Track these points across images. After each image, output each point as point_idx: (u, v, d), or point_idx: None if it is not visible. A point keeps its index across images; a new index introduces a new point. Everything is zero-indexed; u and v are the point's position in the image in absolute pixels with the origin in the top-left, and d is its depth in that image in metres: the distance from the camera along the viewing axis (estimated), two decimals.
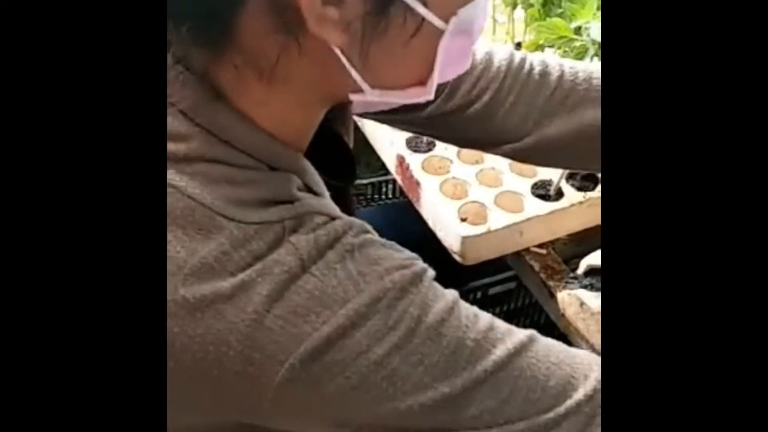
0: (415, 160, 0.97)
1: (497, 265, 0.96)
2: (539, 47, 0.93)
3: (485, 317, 0.49)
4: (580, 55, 0.88)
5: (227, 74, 0.47)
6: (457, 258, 0.90)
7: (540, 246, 0.92)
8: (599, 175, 0.94)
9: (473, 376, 0.46)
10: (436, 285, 0.48)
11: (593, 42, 0.85)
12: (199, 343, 0.44)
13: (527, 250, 0.92)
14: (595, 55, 0.86)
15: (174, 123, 0.46)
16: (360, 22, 0.44)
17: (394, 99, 0.51)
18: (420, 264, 0.48)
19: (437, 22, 0.46)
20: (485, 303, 1.11)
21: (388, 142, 1.01)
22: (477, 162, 0.98)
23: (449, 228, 0.90)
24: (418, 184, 0.95)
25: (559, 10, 0.92)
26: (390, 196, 1.36)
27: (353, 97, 0.50)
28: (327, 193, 0.52)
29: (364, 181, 1.33)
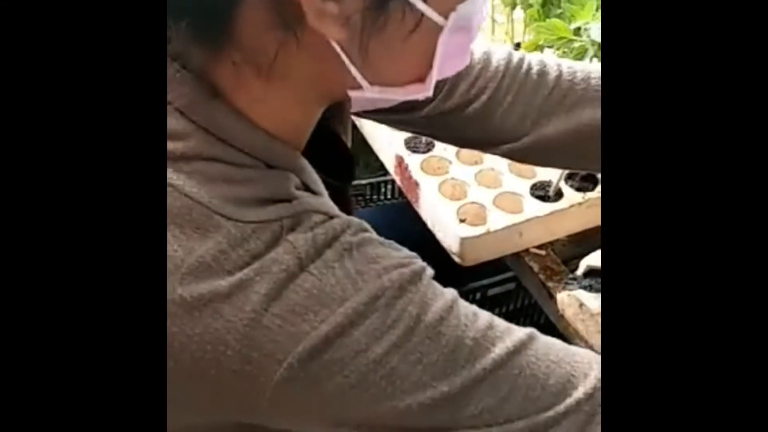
0: (414, 160, 0.97)
1: (496, 266, 0.96)
2: (538, 48, 0.93)
3: (484, 316, 0.48)
4: (580, 55, 0.88)
5: (225, 71, 0.47)
6: (456, 259, 0.90)
7: (539, 247, 0.92)
8: (598, 176, 0.94)
9: (472, 375, 0.46)
10: (435, 284, 0.48)
11: (592, 43, 0.85)
12: (197, 343, 0.43)
13: (526, 251, 0.91)
14: (594, 55, 0.86)
15: (171, 121, 0.46)
16: (359, 16, 0.44)
17: (392, 96, 0.50)
18: (419, 262, 0.48)
19: (436, 17, 0.46)
20: (484, 304, 1.11)
21: (387, 143, 1.01)
22: (476, 163, 0.98)
23: (448, 229, 0.89)
24: (416, 184, 0.95)
25: (559, 11, 0.92)
26: (389, 196, 1.36)
27: (352, 93, 0.49)
28: (325, 192, 0.51)
29: (363, 182, 1.33)
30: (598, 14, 0.86)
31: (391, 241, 0.49)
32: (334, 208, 0.49)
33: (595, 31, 0.84)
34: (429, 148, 0.99)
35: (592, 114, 0.67)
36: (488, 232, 0.88)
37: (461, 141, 0.76)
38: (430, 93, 0.51)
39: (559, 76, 0.68)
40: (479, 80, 0.68)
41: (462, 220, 0.89)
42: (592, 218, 0.93)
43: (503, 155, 0.73)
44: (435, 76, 0.50)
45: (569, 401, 0.47)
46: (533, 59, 0.70)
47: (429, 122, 0.70)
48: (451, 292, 0.48)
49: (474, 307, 0.49)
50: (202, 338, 0.43)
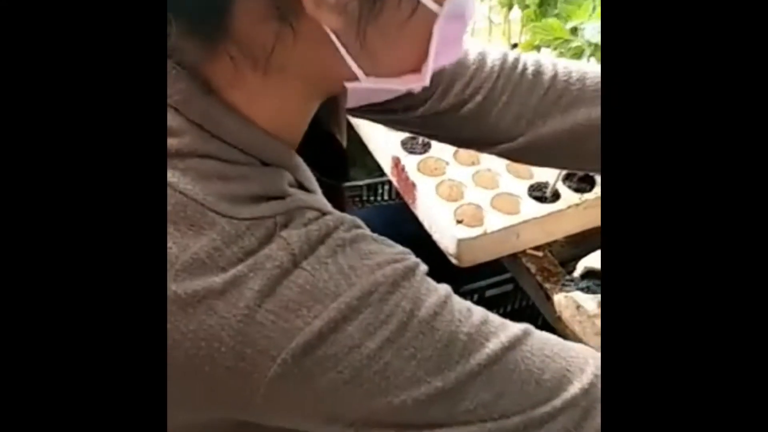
0: (410, 161, 0.97)
1: (494, 267, 0.96)
2: (535, 48, 0.93)
3: (479, 311, 0.48)
4: (576, 56, 0.88)
5: (221, 66, 0.47)
6: (453, 260, 0.90)
7: (536, 248, 0.92)
8: (595, 177, 0.94)
9: (467, 370, 0.45)
10: (429, 279, 0.48)
11: (589, 43, 0.85)
12: (192, 339, 0.43)
13: (524, 252, 0.91)
14: (591, 56, 0.86)
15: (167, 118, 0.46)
16: (356, 4, 0.44)
17: (389, 86, 0.51)
18: (412, 258, 0.48)
19: (431, 4, 0.47)
20: (482, 305, 1.11)
21: (384, 144, 1.01)
22: (473, 163, 0.98)
23: (445, 230, 0.89)
24: (413, 185, 0.95)
25: (555, 11, 0.92)
26: (385, 197, 1.36)
27: (348, 85, 0.49)
28: (319, 190, 0.52)
29: (360, 183, 1.33)
30: (595, 14, 0.86)
31: (384, 238, 0.49)
32: (328, 205, 0.49)
33: (591, 31, 0.84)
34: (426, 149, 0.99)
35: (588, 114, 0.67)
36: (485, 234, 0.88)
37: (457, 141, 0.76)
38: (426, 83, 0.51)
39: (555, 76, 0.68)
40: (474, 80, 0.69)
41: (459, 221, 0.89)
42: (590, 219, 0.93)
43: (499, 155, 0.73)
44: (431, 65, 0.50)
45: (565, 396, 0.47)
46: (529, 59, 0.70)
47: (424, 122, 0.70)
48: (444, 288, 0.48)
49: (468, 303, 0.49)
50: (196, 335, 0.43)
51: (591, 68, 0.70)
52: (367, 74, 0.49)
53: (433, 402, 0.45)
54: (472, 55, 0.69)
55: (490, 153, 0.73)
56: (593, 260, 0.86)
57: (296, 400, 0.45)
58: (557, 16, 0.90)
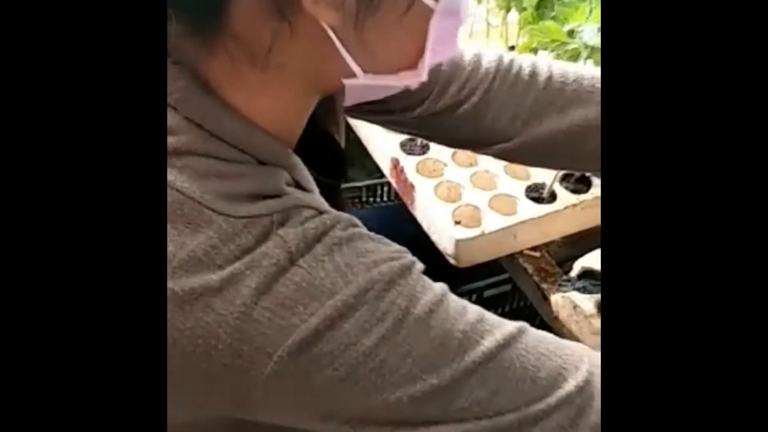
0: (409, 162, 0.98)
1: (492, 267, 0.96)
2: (532, 50, 0.93)
3: (474, 309, 0.49)
4: (573, 58, 0.88)
5: (220, 65, 0.47)
6: (451, 261, 0.90)
7: (534, 249, 0.92)
8: (592, 178, 0.94)
9: (462, 367, 0.46)
10: (425, 277, 0.48)
11: (586, 45, 0.86)
12: (189, 337, 0.44)
13: (521, 252, 0.92)
14: (588, 58, 0.87)
15: None
16: (353, 0, 0.45)
17: (386, 82, 0.51)
18: (408, 257, 0.48)
19: (427, 0, 0.47)
20: (480, 306, 1.11)
21: (383, 145, 1.01)
22: (471, 165, 0.98)
23: (443, 231, 0.90)
24: (412, 186, 0.95)
25: (552, 14, 0.92)
26: (384, 198, 1.36)
27: (346, 82, 0.50)
28: (316, 189, 0.52)
29: (359, 184, 1.33)
30: (591, 17, 0.87)
31: (381, 236, 0.49)
32: (325, 204, 0.50)
33: (588, 34, 0.85)
34: (424, 150, 1.00)
35: (584, 114, 0.67)
36: (483, 234, 0.88)
37: (454, 141, 0.77)
38: (423, 78, 0.51)
39: (550, 77, 0.69)
40: (470, 81, 0.69)
41: (457, 222, 0.90)
42: (587, 220, 0.93)
43: (496, 156, 0.73)
44: (427, 60, 0.50)
45: (560, 393, 0.47)
46: (524, 61, 0.71)
47: (421, 123, 0.71)
48: (440, 286, 0.48)
49: (464, 302, 0.49)
50: (193, 332, 0.43)
51: (587, 70, 0.70)
52: (364, 71, 0.49)
53: (429, 399, 0.45)
54: (468, 57, 0.70)
55: (487, 153, 0.73)
56: (590, 260, 0.87)
57: (293, 397, 0.45)
58: (554, 18, 0.90)
